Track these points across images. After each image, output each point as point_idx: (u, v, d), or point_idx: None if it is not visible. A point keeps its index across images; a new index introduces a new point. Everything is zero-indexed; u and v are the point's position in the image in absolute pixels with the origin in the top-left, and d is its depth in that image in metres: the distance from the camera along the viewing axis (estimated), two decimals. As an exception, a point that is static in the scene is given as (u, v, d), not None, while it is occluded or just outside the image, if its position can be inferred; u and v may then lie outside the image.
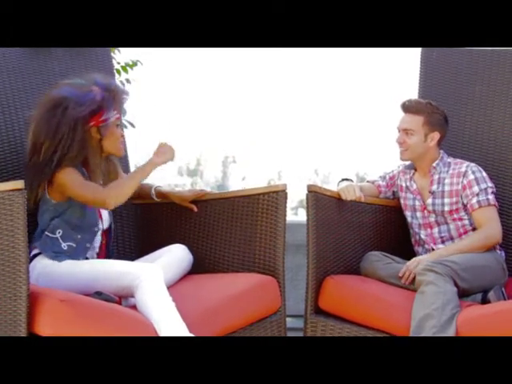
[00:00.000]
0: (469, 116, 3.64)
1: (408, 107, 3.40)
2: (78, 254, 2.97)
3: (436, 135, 3.36)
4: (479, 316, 2.91)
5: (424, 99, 3.62)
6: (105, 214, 3.10)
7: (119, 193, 2.92)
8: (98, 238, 3.06)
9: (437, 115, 3.39)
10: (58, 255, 2.92)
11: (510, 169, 3.53)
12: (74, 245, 2.96)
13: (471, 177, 3.31)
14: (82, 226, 2.98)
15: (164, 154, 3.00)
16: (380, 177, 3.56)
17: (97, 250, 3.07)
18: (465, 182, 3.32)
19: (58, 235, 2.95)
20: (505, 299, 3.05)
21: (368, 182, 3.56)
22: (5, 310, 2.59)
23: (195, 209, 3.31)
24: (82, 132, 2.93)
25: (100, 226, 3.06)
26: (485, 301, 3.07)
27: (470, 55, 3.71)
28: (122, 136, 3.06)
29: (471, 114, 3.64)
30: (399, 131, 3.40)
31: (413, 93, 3.73)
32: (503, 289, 3.10)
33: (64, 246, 2.94)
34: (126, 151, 3.47)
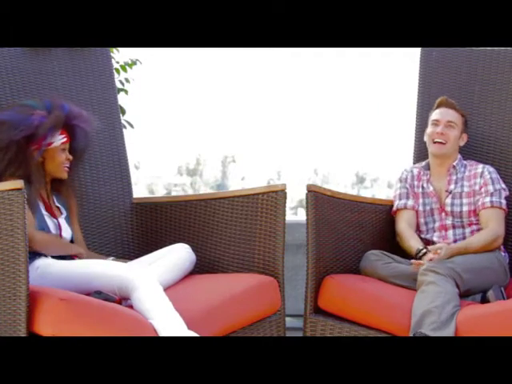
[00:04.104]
0: (468, 116, 3.64)
1: (450, 103, 3.46)
2: (38, 254, 2.95)
3: (465, 137, 3.46)
4: (478, 315, 2.91)
5: (423, 99, 3.64)
6: (64, 225, 3.13)
7: (46, 247, 2.98)
8: None
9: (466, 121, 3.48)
10: None
11: (510, 168, 3.53)
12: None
13: (487, 176, 3.36)
14: None
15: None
16: (401, 191, 3.47)
17: None
18: (482, 182, 3.35)
19: None
20: (504, 299, 3.05)
21: (399, 208, 3.45)
22: (4, 309, 2.59)
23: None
24: (16, 153, 3.01)
25: (60, 235, 3.09)
26: (484, 300, 3.08)
27: (469, 55, 3.72)
28: (68, 159, 3.14)
29: (470, 114, 3.64)
30: (438, 123, 3.41)
31: (412, 93, 3.74)
32: (502, 288, 3.10)
33: None
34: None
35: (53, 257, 3.00)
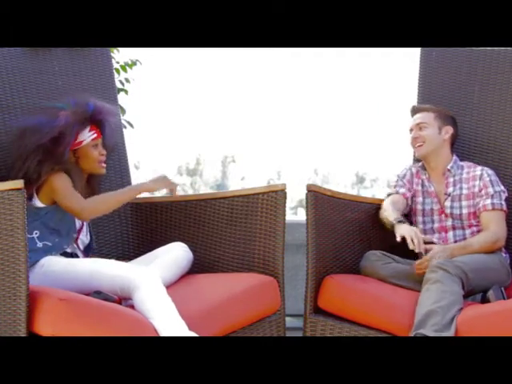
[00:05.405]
0: (468, 116, 3.64)
1: (418, 108, 3.50)
2: (55, 249, 2.98)
3: (449, 129, 3.46)
4: (478, 315, 2.91)
5: (423, 99, 3.64)
6: (86, 229, 3.15)
7: (98, 207, 3.05)
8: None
9: (447, 114, 3.49)
10: (31, 253, 2.88)
11: (509, 169, 3.53)
12: (50, 244, 2.98)
13: (487, 179, 3.36)
14: (59, 230, 3.01)
15: (160, 182, 3.18)
16: (397, 183, 3.50)
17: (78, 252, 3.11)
18: (481, 184, 3.35)
19: (34, 236, 2.96)
20: (504, 299, 3.05)
21: (391, 193, 3.48)
22: (4, 309, 2.59)
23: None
24: (45, 155, 2.99)
25: (77, 237, 3.09)
26: (484, 300, 3.08)
27: (469, 55, 3.72)
28: (102, 155, 3.13)
29: (470, 114, 3.64)
30: (411, 130, 3.46)
31: (412, 93, 3.74)
32: (502, 288, 3.10)
33: (39, 244, 2.95)
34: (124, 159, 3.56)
35: (61, 254, 3.01)
